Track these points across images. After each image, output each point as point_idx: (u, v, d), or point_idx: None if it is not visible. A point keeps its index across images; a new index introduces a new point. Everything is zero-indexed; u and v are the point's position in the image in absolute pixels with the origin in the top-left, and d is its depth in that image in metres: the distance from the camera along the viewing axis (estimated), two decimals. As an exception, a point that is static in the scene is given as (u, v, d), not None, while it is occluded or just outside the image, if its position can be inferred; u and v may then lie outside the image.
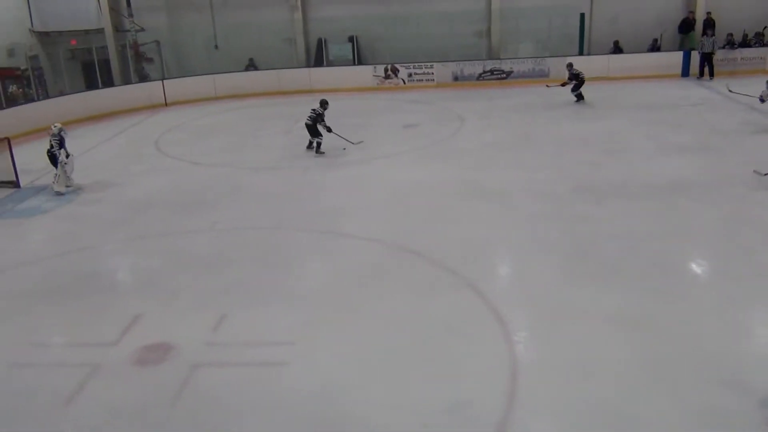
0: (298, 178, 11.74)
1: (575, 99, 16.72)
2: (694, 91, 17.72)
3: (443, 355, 6.00)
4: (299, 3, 21.64)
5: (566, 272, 7.52)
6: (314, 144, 13.13)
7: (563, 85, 16.94)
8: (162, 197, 11.04)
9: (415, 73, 20.13)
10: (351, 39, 21.89)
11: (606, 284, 7.15)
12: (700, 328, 6.24)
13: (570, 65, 16.81)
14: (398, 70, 19.25)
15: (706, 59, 19.15)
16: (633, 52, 20.42)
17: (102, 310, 7.17)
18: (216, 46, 22.15)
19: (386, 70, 19.45)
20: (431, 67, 20.19)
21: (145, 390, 5.73)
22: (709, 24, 20.03)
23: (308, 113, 13.07)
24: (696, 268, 7.81)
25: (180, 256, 8.61)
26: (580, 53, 20.33)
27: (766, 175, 8.68)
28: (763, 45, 20.05)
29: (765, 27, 20.42)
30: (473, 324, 6.50)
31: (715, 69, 19.09)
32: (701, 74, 19.28)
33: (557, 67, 19.59)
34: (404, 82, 19.54)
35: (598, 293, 6.95)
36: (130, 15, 20.97)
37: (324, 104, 13.09)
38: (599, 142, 12.98)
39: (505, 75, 19.95)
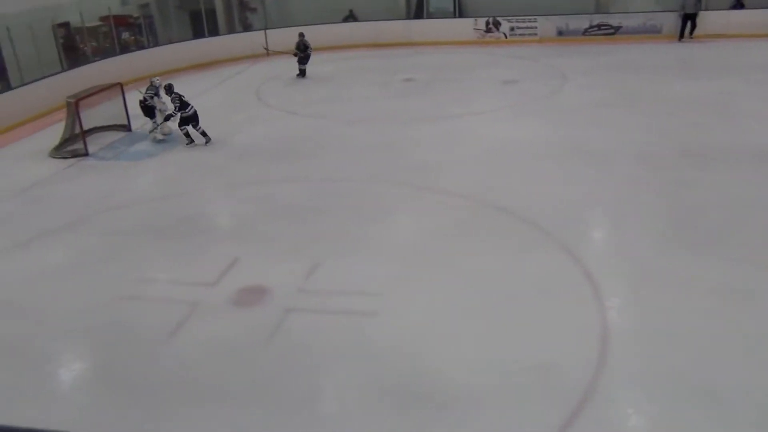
0: (393, 131, 11.72)
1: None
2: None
3: (532, 316, 5.94)
4: (401, -47, 21.28)
5: (666, 240, 7.22)
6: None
7: (295, 55, 16.33)
8: (260, 146, 11.33)
9: (518, 27, 19.47)
10: (452, -10, 21.40)
11: (709, 254, 6.83)
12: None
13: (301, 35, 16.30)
14: (500, 24, 18.68)
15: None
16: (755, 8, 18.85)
17: (201, 252, 7.52)
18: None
19: (487, 23, 18.91)
20: (535, 21, 19.43)
21: (240, 330, 6.00)
22: None
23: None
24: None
25: (275, 204, 8.86)
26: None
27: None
28: None
29: None
30: (564, 287, 6.38)
31: None
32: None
33: (671, 21, 18.48)
34: (506, 36, 18.95)
35: (698, 263, 6.65)
36: (235, -35, 21.29)
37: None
38: (709, 104, 12.23)
39: (613, 30, 18.97)
